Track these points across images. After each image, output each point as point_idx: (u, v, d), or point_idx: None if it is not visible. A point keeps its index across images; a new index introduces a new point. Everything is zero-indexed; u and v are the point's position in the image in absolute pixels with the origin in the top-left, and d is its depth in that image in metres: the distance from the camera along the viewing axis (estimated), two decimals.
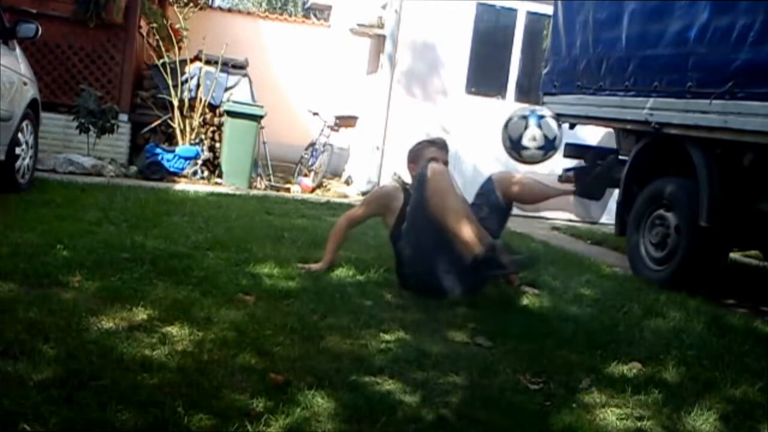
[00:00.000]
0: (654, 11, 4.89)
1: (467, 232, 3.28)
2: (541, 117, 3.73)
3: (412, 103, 8.64)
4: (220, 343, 2.48)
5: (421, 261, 3.47)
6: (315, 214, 6.09)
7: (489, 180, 3.90)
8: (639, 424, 2.25)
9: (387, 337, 2.78)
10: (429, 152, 3.74)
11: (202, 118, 8.27)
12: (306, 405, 2.07)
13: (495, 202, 3.81)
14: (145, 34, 9.02)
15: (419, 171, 3.51)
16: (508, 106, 8.57)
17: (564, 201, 3.97)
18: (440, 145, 3.87)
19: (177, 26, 9.23)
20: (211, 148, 8.29)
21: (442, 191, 3.36)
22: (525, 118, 3.77)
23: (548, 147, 3.73)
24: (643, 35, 4.96)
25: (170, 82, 8.08)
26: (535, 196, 3.88)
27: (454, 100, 8.64)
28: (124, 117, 8.06)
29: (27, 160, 5.51)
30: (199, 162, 7.97)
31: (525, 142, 3.72)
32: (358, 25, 9.50)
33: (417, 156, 3.79)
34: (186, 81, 8.28)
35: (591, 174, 4.51)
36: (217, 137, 8.34)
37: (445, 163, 3.73)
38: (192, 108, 8.24)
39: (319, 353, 2.51)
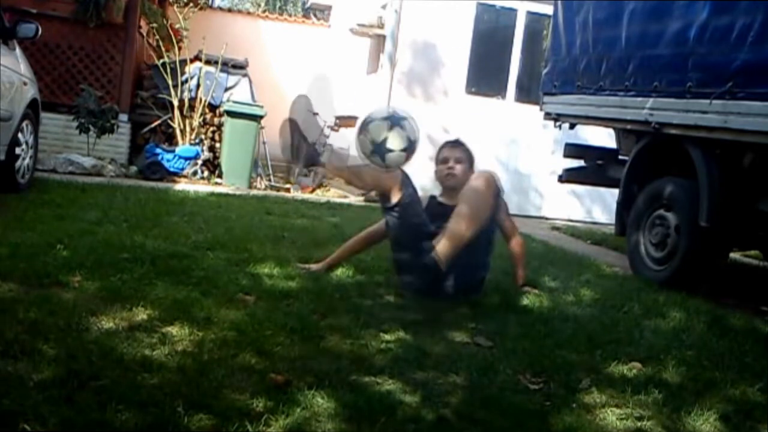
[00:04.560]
0: (654, 11, 4.89)
1: None
2: (402, 119, 3.39)
3: (412, 103, 8.63)
4: (220, 343, 2.48)
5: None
6: (315, 214, 6.09)
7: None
8: (639, 424, 2.25)
9: (387, 337, 2.78)
10: (441, 153, 3.79)
11: (202, 118, 8.27)
12: (306, 405, 2.07)
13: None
14: (145, 34, 9.03)
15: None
16: (508, 106, 8.59)
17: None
18: (451, 145, 3.85)
19: (177, 26, 9.23)
20: (211, 148, 8.29)
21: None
22: (385, 120, 3.39)
23: (410, 149, 3.38)
24: (643, 35, 4.96)
25: (170, 82, 8.08)
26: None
27: (454, 100, 8.64)
28: (124, 117, 8.06)
29: (27, 160, 5.51)
30: (199, 162, 7.97)
31: (389, 145, 3.33)
32: (358, 25, 9.51)
33: (435, 158, 3.84)
34: (186, 81, 8.29)
35: None
36: (217, 137, 8.34)
37: (457, 160, 3.73)
38: (192, 108, 8.25)
39: (319, 353, 2.51)
